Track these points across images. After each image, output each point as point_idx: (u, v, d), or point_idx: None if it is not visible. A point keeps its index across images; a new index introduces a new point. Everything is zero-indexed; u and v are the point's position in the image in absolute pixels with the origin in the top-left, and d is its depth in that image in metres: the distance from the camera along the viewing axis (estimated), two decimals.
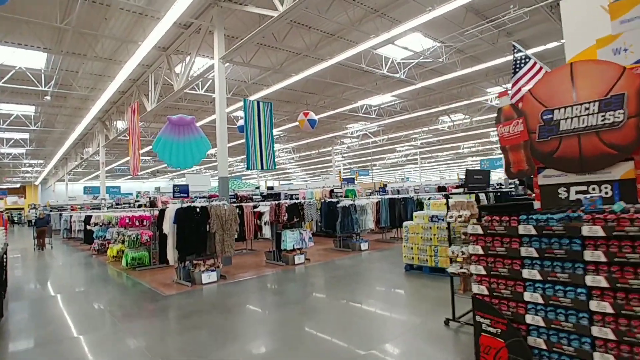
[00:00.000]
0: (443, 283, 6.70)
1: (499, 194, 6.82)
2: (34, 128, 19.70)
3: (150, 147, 24.89)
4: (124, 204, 24.17)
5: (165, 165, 38.50)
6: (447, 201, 4.87)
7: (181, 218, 7.28)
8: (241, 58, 12.58)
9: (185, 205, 7.48)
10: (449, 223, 4.61)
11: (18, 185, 47.74)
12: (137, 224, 9.38)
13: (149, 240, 9.31)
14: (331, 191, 13.79)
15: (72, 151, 28.25)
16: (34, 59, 12.23)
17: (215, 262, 7.73)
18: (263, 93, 15.26)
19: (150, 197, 16.56)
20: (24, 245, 17.56)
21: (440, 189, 18.52)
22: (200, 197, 13.39)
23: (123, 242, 9.76)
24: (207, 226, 7.49)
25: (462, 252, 4.37)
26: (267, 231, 9.24)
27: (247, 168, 9.99)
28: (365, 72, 15.39)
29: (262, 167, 10.21)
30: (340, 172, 21.72)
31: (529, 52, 12.52)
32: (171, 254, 7.37)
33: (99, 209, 21.26)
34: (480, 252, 3.44)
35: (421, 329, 4.62)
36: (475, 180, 4.66)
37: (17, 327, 5.46)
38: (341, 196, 12.03)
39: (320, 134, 26.65)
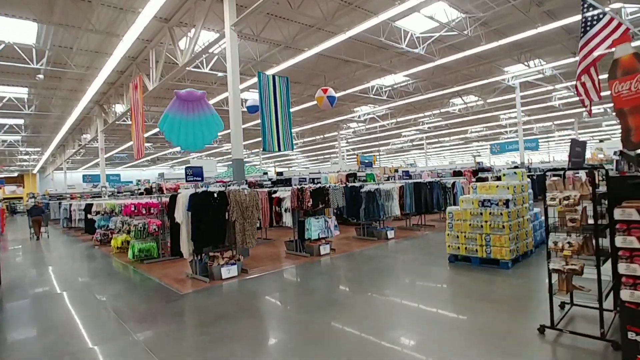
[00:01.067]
0: (500, 277, 5.78)
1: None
2: (28, 112, 18.49)
3: (151, 131, 23.77)
4: (125, 191, 23.18)
5: (166, 152, 37.36)
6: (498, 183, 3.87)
7: (196, 205, 6.28)
8: (251, 30, 11.41)
9: (200, 190, 6.47)
10: (546, 207, 3.62)
11: (16, 174, 46.48)
12: (144, 212, 8.37)
13: (157, 229, 8.33)
14: (348, 176, 12.78)
15: (70, 138, 27.04)
16: (23, 33, 11.01)
17: (235, 255, 6.77)
18: (271, 71, 14.10)
19: (152, 185, 15.57)
20: (23, 236, 16.60)
21: (456, 173, 17.55)
22: (215, 183, 12.43)
23: (128, 232, 8.78)
24: (226, 214, 6.49)
25: (568, 243, 3.40)
26: (287, 219, 8.26)
27: (263, 149, 8.96)
28: (380, 49, 14.24)
29: (278, 149, 9.18)
30: (358, 155, 20.65)
31: (566, 20, 11.43)
32: (185, 246, 6.39)
33: (100, 197, 20.24)
34: (637, 244, 2.46)
35: (507, 338, 3.68)
36: (577, 154, 3.67)
37: (12, 334, 4.50)
38: (364, 180, 11.03)
39: (327, 117, 25.51)
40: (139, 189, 17.78)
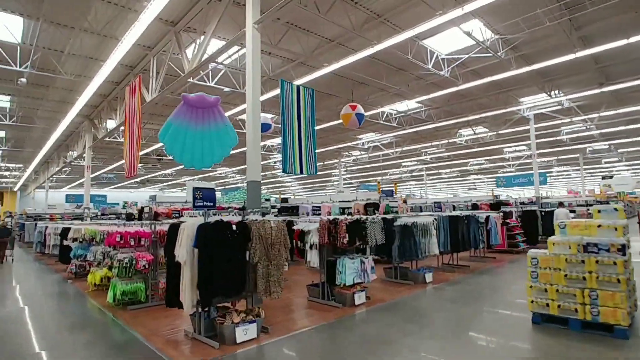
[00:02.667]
0: (617, 351, 4.13)
1: None
2: (10, 123, 16.59)
3: (144, 150, 21.93)
4: (110, 214, 20.98)
5: (157, 174, 35.33)
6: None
7: (208, 240, 4.55)
8: (268, 39, 10.05)
9: (211, 219, 4.75)
10: None
11: None
12: (132, 242, 6.54)
13: (147, 266, 6.48)
14: (367, 206, 11.16)
15: (55, 154, 24.99)
16: (7, 29, 9.43)
17: (254, 309, 4.98)
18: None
19: (142, 207, 13.69)
20: None
21: (474, 206, 16.11)
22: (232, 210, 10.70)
23: (110, 267, 6.91)
24: (247, 253, 4.77)
25: None
26: (313, 258, 6.50)
27: (283, 171, 7.35)
28: (399, 70, 13.09)
29: (300, 171, 7.58)
30: (379, 182, 19.16)
31: (596, 49, 10.44)
32: (188, 295, 4.60)
33: (82, 219, 18.07)
34: None
35: None
36: None
37: None
38: (386, 212, 9.43)
39: (330, 143, 24.18)
40: (127, 212, 15.79)
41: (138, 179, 38.39)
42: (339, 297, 6.35)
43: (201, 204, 5.35)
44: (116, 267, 6.32)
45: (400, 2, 9.07)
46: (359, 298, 6.34)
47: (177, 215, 11.98)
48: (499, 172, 37.33)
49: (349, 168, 34.08)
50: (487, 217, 10.44)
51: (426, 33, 10.05)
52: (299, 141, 7.64)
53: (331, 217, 6.36)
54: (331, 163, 29.81)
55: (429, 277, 8.03)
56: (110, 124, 16.29)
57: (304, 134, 7.76)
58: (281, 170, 7.31)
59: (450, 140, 23.10)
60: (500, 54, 11.41)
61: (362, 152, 27.95)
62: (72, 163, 23.53)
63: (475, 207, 15.74)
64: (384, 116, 18.39)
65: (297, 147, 7.61)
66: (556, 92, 15.59)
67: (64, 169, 28.56)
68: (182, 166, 30.62)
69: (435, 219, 8.69)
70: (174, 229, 5.13)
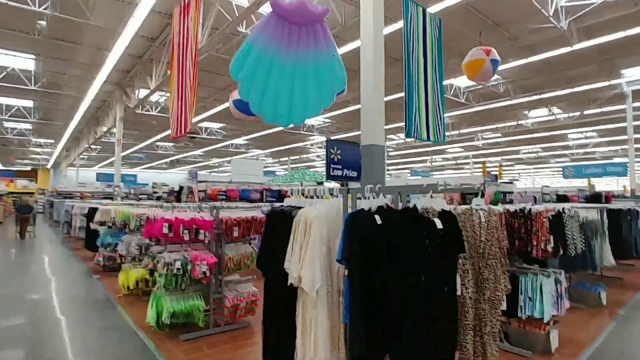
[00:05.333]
0: None
1: None
2: (35, 88, 14.56)
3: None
4: (140, 194, 18.89)
5: (187, 154, 33.30)
6: None
7: (378, 247, 2.04)
8: None
9: (377, 204, 2.21)
10: None
11: (29, 169, 42.83)
12: (186, 236, 4.11)
13: (207, 273, 4.05)
14: (464, 195, 8.46)
15: (85, 129, 23.22)
16: None
17: None
18: (352, 45, 10.03)
19: (180, 187, 11.44)
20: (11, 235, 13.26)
21: (560, 198, 13.15)
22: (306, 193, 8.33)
23: (151, 271, 4.56)
24: (458, 279, 2.23)
25: None
26: None
27: (407, 135, 4.77)
28: (495, 26, 10.17)
29: (427, 136, 4.99)
30: (484, 164, 16.41)
31: None
32: (326, 349, 2.11)
33: (112, 199, 16.06)
34: None
35: None
36: None
37: None
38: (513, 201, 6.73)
39: None
40: (156, 193, 13.61)
41: (167, 160, 36.66)
42: (520, 337, 3.78)
43: (339, 172, 2.85)
44: (162, 273, 3.92)
45: None
46: (554, 339, 3.77)
47: (224, 196, 9.63)
48: (551, 162, 33.75)
49: (389, 153, 31.21)
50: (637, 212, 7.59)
51: None
52: (425, 96, 5.04)
53: (514, 207, 3.73)
54: None
55: (603, 296, 5.36)
56: (143, 93, 14.05)
57: (431, 84, 5.14)
58: (405, 135, 4.75)
59: (519, 122, 19.90)
60: None
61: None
62: (103, 139, 21.69)
63: (562, 199, 12.80)
64: (452, 90, 15.45)
65: (422, 103, 5.01)
66: None
67: (94, 147, 26.96)
68: (213, 146, 28.61)
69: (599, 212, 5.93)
70: (278, 221, 2.65)
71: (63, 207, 14.93)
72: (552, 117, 18.72)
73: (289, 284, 2.39)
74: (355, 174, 3.08)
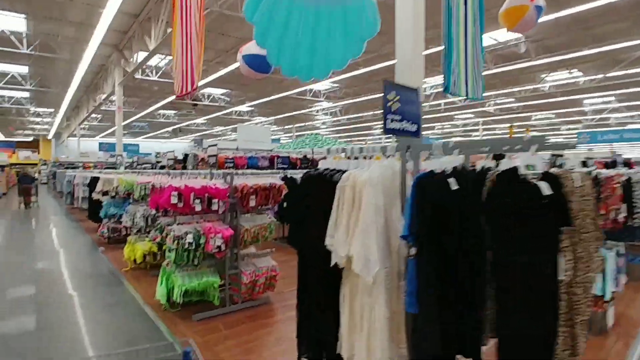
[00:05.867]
0: None
1: None
2: (29, 52, 13.73)
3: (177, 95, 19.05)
4: (143, 163, 18.36)
5: (190, 122, 32.49)
6: None
7: (471, 214, 1.53)
8: None
9: (384, 162, 1.68)
10: None
11: (31, 139, 42.24)
12: (197, 206, 3.59)
13: (222, 247, 3.59)
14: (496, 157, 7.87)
15: (84, 97, 22.43)
16: None
17: None
18: None
19: (185, 154, 10.95)
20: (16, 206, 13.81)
21: (584, 164, 12.52)
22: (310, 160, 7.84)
23: (160, 244, 4.13)
24: (560, 256, 1.74)
25: None
26: None
27: (445, 91, 4.15)
28: None
29: (466, 93, 4.39)
30: (510, 127, 15.69)
31: None
32: (380, 355, 1.67)
33: (115, 169, 15.56)
34: None
35: None
36: None
37: None
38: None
39: (380, 90, 20.36)
40: (160, 162, 13.08)
41: (170, 128, 35.91)
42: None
43: (397, 125, 2.29)
44: (172, 248, 3.47)
45: None
46: (610, 317, 3.35)
47: (231, 164, 9.10)
48: (561, 129, 32.83)
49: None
50: None
51: None
52: (465, 44, 4.39)
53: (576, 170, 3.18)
54: (380, 113, 26.11)
55: None
56: (142, 56, 13.20)
57: (471, 38, 4.49)
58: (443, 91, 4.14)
59: (536, 86, 18.93)
60: None
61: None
62: (103, 107, 20.97)
63: (585, 165, 12.20)
64: None
65: (462, 57, 4.37)
66: None
67: (95, 116, 26.28)
68: (216, 114, 27.80)
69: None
70: (314, 188, 2.13)
71: (65, 177, 14.52)
72: (573, 80, 17.73)
73: (332, 264, 1.91)
74: (414, 127, 2.53)
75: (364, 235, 1.73)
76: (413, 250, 1.69)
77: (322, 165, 2.31)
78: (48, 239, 7.95)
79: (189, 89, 4.31)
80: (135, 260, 5.20)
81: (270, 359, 2.97)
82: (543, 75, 18.70)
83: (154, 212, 4.63)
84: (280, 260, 4.27)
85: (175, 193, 3.44)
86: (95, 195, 7.56)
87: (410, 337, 1.80)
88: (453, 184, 1.70)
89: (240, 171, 4.14)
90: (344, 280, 1.97)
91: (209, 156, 4.72)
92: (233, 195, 3.80)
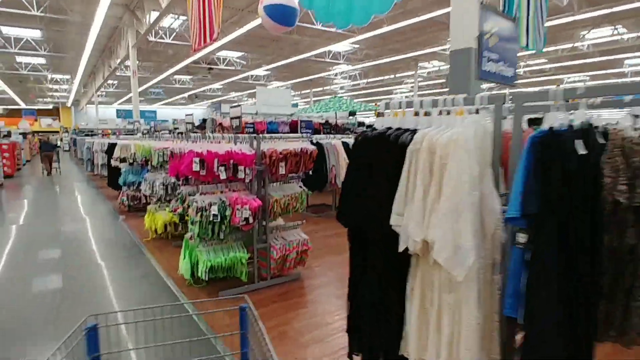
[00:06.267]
0: None
1: None
2: (39, 14, 13.25)
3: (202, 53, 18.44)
4: (161, 130, 18.13)
5: (206, 87, 31.85)
6: None
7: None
8: None
9: (580, 120, 1.20)
10: None
11: (51, 107, 42.60)
12: (222, 174, 3.22)
13: (251, 220, 3.23)
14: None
15: (99, 62, 22.03)
16: None
17: None
18: None
19: (203, 119, 10.68)
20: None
21: None
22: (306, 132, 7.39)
23: (182, 216, 3.81)
24: None
25: None
26: None
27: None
28: None
29: (527, 44, 3.73)
30: (557, 83, 14.87)
31: None
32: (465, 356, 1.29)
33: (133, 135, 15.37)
34: None
35: None
36: None
37: None
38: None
39: (404, 50, 19.13)
40: (178, 129, 12.75)
41: (186, 94, 35.43)
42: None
43: (494, 67, 1.73)
44: (196, 221, 3.12)
45: None
46: None
47: (251, 129, 8.63)
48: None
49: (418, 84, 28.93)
50: None
51: None
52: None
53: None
54: (404, 75, 24.93)
55: None
56: (155, 15, 12.53)
57: None
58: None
59: (575, 44, 17.42)
60: None
61: (442, 64, 22.72)
62: (118, 73, 20.59)
63: None
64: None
65: (524, 6, 3.67)
66: None
67: (111, 82, 25.99)
68: (232, 78, 27.05)
69: None
70: (373, 152, 1.67)
71: (84, 144, 14.45)
72: (617, 37, 16.17)
73: (400, 249, 1.49)
74: (510, 72, 2.01)
75: (454, 215, 1.28)
76: (522, 237, 1.24)
77: (378, 124, 1.84)
78: (69, 208, 7.85)
79: (208, 40, 3.80)
80: (156, 231, 4.95)
81: (307, 347, 2.66)
82: (584, 33, 17.12)
83: (173, 180, 4.28)
84: (306, 230, 3.92)
85: (197, 159, 3.04)
86: (113, 162, 7.31)
87: (509, 348, 1.39)
88: (580, 148, 1.21)
89: (267, 135, 3.68)
90: (413, 269, 1.55)
91: (232, 118, 4.27)
92: (260, 162, 3.39)
